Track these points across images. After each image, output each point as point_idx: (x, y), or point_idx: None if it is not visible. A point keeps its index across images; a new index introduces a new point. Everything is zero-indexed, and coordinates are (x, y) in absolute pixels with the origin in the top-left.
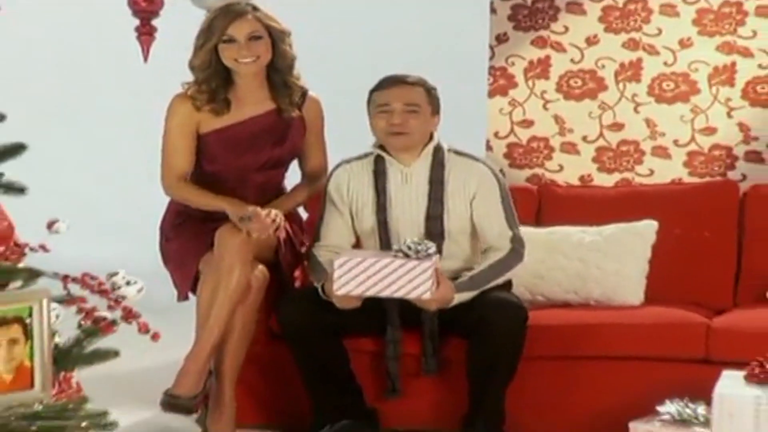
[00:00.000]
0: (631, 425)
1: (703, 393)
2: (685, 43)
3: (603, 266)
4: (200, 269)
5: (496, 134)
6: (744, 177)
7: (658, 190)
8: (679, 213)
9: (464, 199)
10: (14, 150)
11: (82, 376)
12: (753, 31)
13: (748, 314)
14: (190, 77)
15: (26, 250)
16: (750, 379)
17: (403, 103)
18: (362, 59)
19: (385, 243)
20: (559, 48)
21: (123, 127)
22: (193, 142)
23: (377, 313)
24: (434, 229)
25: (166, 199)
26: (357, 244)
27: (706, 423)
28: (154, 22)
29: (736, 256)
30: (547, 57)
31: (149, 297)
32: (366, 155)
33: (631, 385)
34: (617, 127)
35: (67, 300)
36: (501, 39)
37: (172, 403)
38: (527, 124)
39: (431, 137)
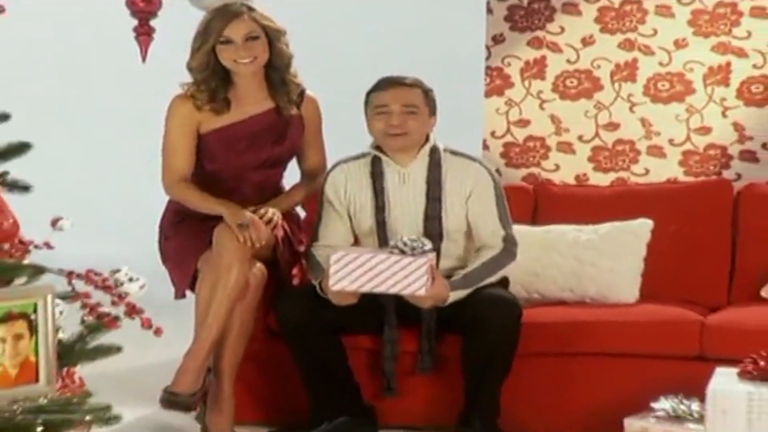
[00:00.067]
0: (626, 421)
1: (697, 390)
2: (680, 44)
3: (598, 264)
4: (199, 267)
5: (492, 134)
6: (739, 176)
7: (652, 189)
8: (674, 212)
9: (461, 198)
10: (19, 149)
11: (82, 373)
12: (747, 31)
13: (742, 312)
14: (188, 77)
15: (30, 247)
16: (743, 375)
17: (401, 105)
18: (359, 60)
19: (384, 243)
20: (555, 48)
21: (122, 127)
22: (194, 142)
23: (375, 311)
24: (433, 229)
25: (166, 198)
26: (355, 244)
27: (700, 419)
28: (153, 23)
29: (731, 254)
30: (543, 57)
31: (149, 295)
32: (362, 156)
33: (626, 382)
34: (613, 126)
35: (72, 296)
36: (497, 39)
37: (171, 400)
38: (523, 123)
39: (427, 138)
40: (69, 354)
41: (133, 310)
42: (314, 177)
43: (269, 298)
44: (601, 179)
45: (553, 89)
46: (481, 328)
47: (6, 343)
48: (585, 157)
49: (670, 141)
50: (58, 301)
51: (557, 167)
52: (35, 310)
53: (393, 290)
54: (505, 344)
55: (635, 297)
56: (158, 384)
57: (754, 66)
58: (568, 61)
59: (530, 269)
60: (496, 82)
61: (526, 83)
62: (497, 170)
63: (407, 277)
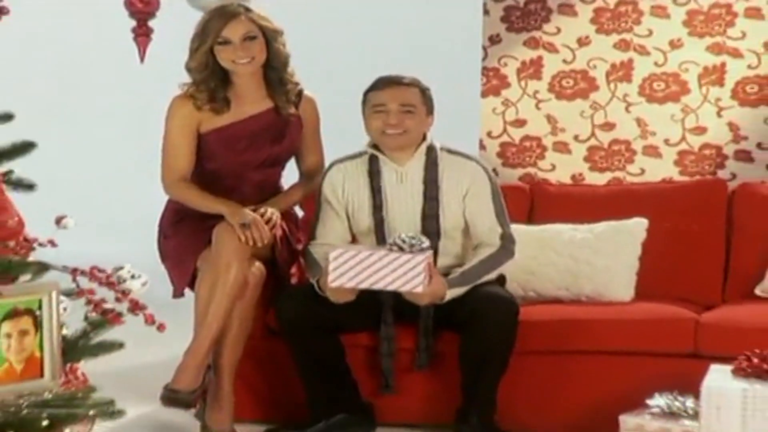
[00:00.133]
0: (622, 418)
1: (691, 387)
2: (675, 44)
3: (594, 263)
4: (198, 266)
5: (489, 134)
6: (734, 176)
7: (648, 189)
8: (669, 211)
9: (457, 196)
10: (24, 148)
11: (85, 370)
12: (742, 32)
13: (736, 310)
14: (187, 78)
15: (35, 244)
16: (737, 373)
17: (398, 104)
18: (356, 60)
19: (382, 242)
20: (551, 49)
21: (120, 127)
22: (194, 142)
23: (373, 309)
24: (430, 227)
25: (165, 198)
26: (353, 243)
27: (695, 416)
28: (151, 23)
29: (725, 253)
30: (540, 57)
31: (149, 294)
32: (359, 155)
33: (622, 379)
34: (609, 126)
35: (76, 292)
36: (494, 40)
37: (171, 397)
38: (520, 123)
39: (424, 137)
40: (72, 350)
41: (136, 306)
42: (312, 177)
43: (268, 296)
44: (597, 179)
45: (549, 89)
46: (479, 325)
47: (11, 339)
48: (581, 157)
49: (666, 141)
50: (62, 297)
51: (553, 167)
52: (40, 307)
53: (391, 287)
54: (503, 342)
55: (631, 295)
56: (158, 382)
57: (749, 66)
58: (564, 61)
59: (526, 268)
60: (493, 82)
61: (523, 83)
62: (494, 170)
63: (405, 274)
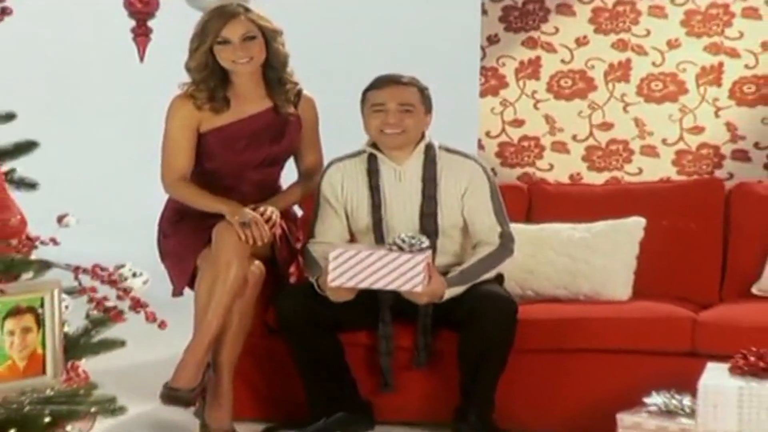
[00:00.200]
0: (619, 416)
1: (688, 385)
2: (673, 44)
3: (592, 262)
4: (198, 265)
5: (487, 133)
6: (731, 175)
7: (645, 188)
8: (666, 210)
9: (456, 194)
10: (27, 147)
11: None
12: (740, 32)
13: (733, 309)
14: (187, 77)
15: (37, 243)
16: (734, 371)
17: (397, 103)
18: (355, 59)
19: (381, 240)
20: (549, 49)
21: (120, 126)
22: (194, 141)
23: (372, 308)
24: (428, 226)
25: (165, 197)
26: (351, 242)
27: (692, 414)
28: (150, 23)
29: (722, 252)
30: (538, 57)
31: (149, 293)
32: (357, 154)
33: (619, 378)
34: (606, 126)
35: (78, 290)
36: (492, 40)
37: (171, 395)
38: (518, 123)
39: (423, 136)
40: (74, 348)
41: (138, 304)
42: (311, 176)
43: (267, 295)
44: (595, 178)
45: (548, 89)
46: (478, 324)
47: (14, 336)
48: (579, 157)
49: (664, 141)
50: (64, 295)
51: (551, 167)
52: (42, 304)
53: (390, 287)
54: (501, 340)
55: (628, 294)
56: (158, 380)
57: (746, 66)
58: (563, 61)
59: (525, 267)
60: (491, 82)
61: (521, 83)
62: (492, 169)
63: (405, 274)
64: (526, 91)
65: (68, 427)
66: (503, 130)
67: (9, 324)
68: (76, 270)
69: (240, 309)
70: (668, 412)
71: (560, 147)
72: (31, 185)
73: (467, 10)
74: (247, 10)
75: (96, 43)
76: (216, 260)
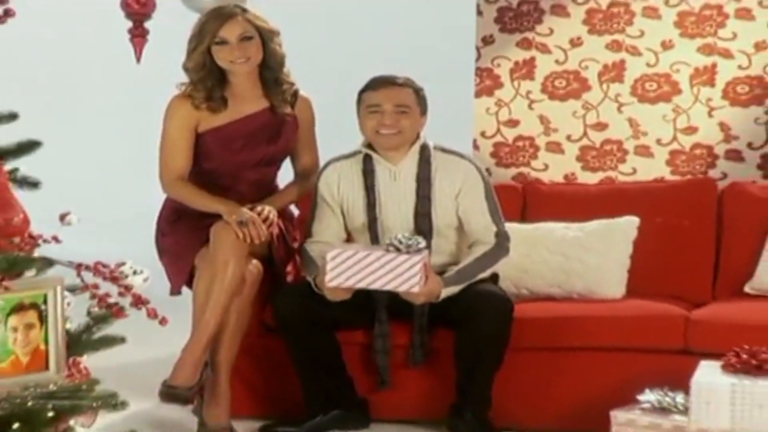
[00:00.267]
0: (613, 413)
1: (681, 382)
2: (667, 45)
3: (585, 261)
4: (196, 264)
5: (482, 134)
6: (725, 175)
7: (638, 188)
8: (660, 210)
9: (450, 194)
10: (29, 146)
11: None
12: (733, 33)
13: (725, 307)
14: (184, 78)
15: (39, 241)
16: (727, 368)
17: (393, 104)
18: (351, 60)
19: (376, 239)
20: (543, 49)
21: (118, 126)
22: (192, 141)
23: (368, 306)
24: (423, 225)
25: (163, 196)
26: (348, 241)
27: (685, 411)
28: (147, 24)
29: (715, 251)
30: (532, 58)
31: (147, 291)
32: (354, 154)
33: (613, 375)
34: (601, 126)
35: (81, 287)
36: (487, 41)
37: (170, 393)
38: (513, 123)
39: (417, 136)
40: (76, 344)
41: (139, 301)
42: (307, 176)
43: (265, 294)
44: (589, 178)
45: (542, 90)
46: (474, 322)
47: (18, 332)
48: (573, 157)
49: (657, 141)
50: (66, 292)
51: (546, 167)
52: (45, 301)
53: (388, 287)
54: (497, 338)
55: (622, 293)
56: (157, 378)
57: (740, 67)
58: (557, 61)
59: (519, 266)
60: (486, 82)
61: (516, 84)
62: (487, 170)
63: (402, 274)
64: (521, 92)
65: (71, 422)
66: (498, 130)
67: (13, 320)
68: (79, 267)
69: (237, 308)
70: (661, 409)
71: (555, 147)
72: (33, 184)
73: (462, 11)
74: (245, 10)
75: (95, 44)
76: (214, 259)
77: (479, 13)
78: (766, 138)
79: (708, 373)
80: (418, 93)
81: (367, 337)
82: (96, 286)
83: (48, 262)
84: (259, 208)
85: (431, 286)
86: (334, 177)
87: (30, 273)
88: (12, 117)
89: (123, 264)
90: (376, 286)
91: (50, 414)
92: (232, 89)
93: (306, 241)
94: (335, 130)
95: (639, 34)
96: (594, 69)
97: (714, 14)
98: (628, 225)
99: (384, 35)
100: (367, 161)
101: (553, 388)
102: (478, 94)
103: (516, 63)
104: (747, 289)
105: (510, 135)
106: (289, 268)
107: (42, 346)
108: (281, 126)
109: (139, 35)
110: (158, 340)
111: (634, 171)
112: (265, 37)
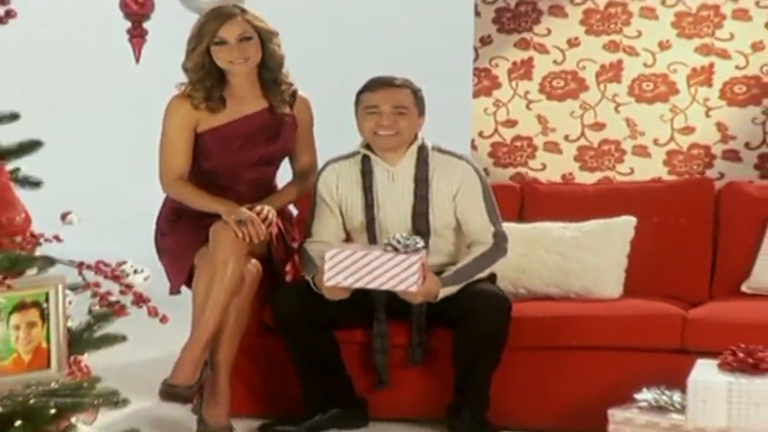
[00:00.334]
0: (610, 412)
1: (678, 381)
2: (664, 45)
3: (583, 260)
4: (195, 263)
5: (480, 134)
6: (722, 175)
7: (636, 188)
8: (657, 209)
9: (448, 195)
10: (30, 146)
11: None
12: (730, 33)
13: (722, 306)
14: (183, 78)
15: (41, 240)
16: (723, 367)
17: (391, 105)
18: (349, 60)
19: (374, 239)
20: (541, 50)
21: (118, 126)
22: (192, 141)
23: (367, 306)
24: (420, 225)
25: (163, 196)
26: (347, 240)
27: (682, 409)
28: (145, 25)
29: (712, 251)
30: (530, 58)
31: (147, 291)
32: (352, 155)
33: (610, 374)
34: (598, 126)
35: (82, 285)
36: (485, 41)
37: (170, 392)
38: (511, 123)
39: (415, 137)
40: (77, 342)
41: (140, 299)
42: (306, 176)
43: (264, 293)
44: (587, 178)
45: (540, 90)
46: (472, 321)
47: (20, 331)
48: (571, 157)
49: (655, 141)
50: (67, 291)
51: (544, 167)
52: (47, 299)
53: (385, 287)
54: (495, 338)
55: (619, 292)
56: (157, 377)
57: (737, 67)
58: (555, 62)
59: (517, 265)
60: (484, 82)
61: (514, 84)
62: (485, 170)
63: (399, 274)
64: (519, 92)
65: (72, 419)
66: (496, 130)
67: (14, 318)
68: (80, 266)
69: (237, 307)
70: (659, 408)
71: (552, 147)
72: (35, 184)
73: (460, 12)
74: (244, 11)
75: (95, 44)
76: (213, 259)
77: (477, 13)
78: (763, 138)
79: (705, 372)
80: (416, 94)
81: (366, 337)
82: (97, 285)
83: (49, 261)
84: (258, 208)
85: (429, 285)
86: (332, 177)
87: (32, 272)
88: (13, 117)
89: (124, 263)
90: (374, 285)
91: (52, 411)
92: (231, 89)
93: (305, 241)
94: (334, 131)
95: (636, 35)
96: (591, 69)
97: (711, 15)
98: (626, 225)
99: (382, 35)
100: (366, 162)
101: (551, 387)
102: (476, 95)
103: (514, 63)
104: (744, 288)
105: (508, 135)
106: (288, 267)
107: (44, 345)
108: (280, 126)
109: (137, 35)
110: (158, 339)
111: (632, 171)
112: (264, 37)
